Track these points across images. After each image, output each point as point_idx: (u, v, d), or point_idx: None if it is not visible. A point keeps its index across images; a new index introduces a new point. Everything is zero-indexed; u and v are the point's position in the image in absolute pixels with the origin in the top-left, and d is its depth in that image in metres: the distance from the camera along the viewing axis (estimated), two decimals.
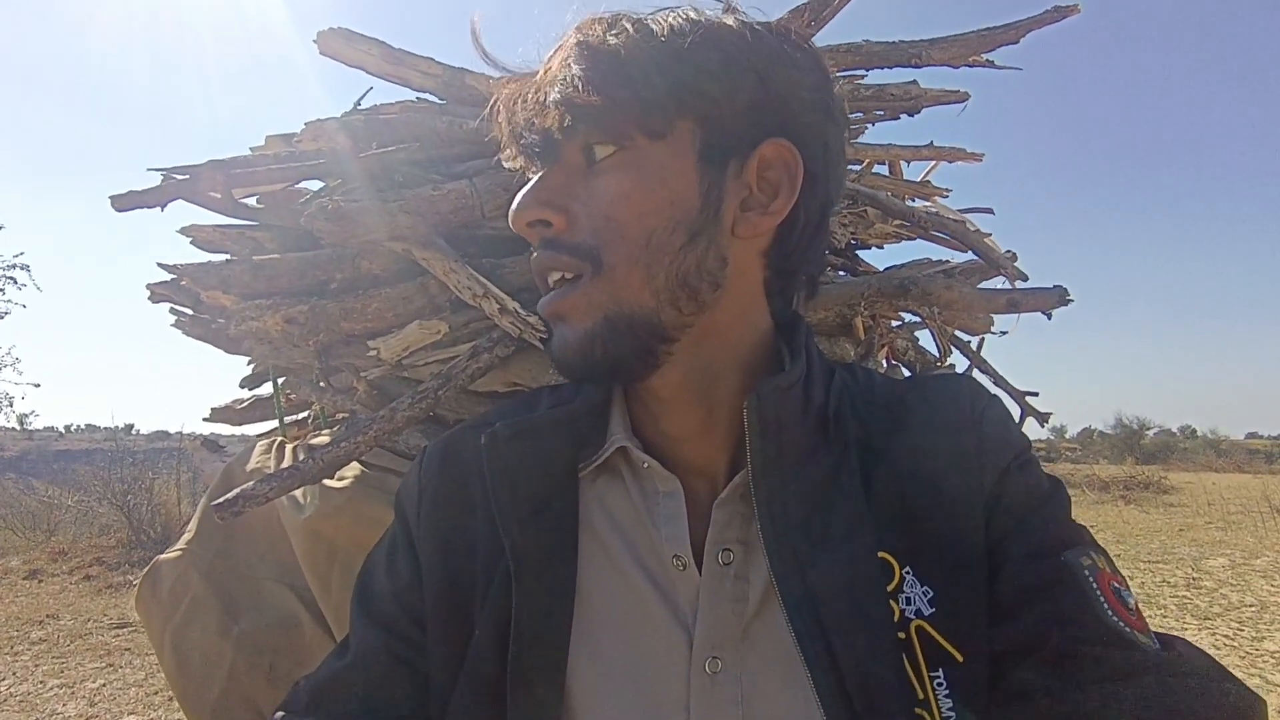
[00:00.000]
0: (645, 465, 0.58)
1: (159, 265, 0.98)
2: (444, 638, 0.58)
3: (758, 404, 0.54)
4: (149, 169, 0.95)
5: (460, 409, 0.98)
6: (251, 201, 1.11)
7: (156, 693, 4.60)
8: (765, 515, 0.53)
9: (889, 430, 0.58)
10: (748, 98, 0.54)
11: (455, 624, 0.58)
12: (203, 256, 1.18)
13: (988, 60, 1.18)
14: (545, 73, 0.54)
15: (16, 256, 9.83)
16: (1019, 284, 0.96)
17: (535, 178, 0.55)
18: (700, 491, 0.58)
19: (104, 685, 4.72)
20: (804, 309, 0.90)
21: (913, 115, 1.10)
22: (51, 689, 4.67)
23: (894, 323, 1.19)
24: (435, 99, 1.10)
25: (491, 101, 0.58)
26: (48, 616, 6.18)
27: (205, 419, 1.69)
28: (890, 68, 1.15)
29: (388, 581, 0.63)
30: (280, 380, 1.65)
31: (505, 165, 0.60)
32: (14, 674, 4.93)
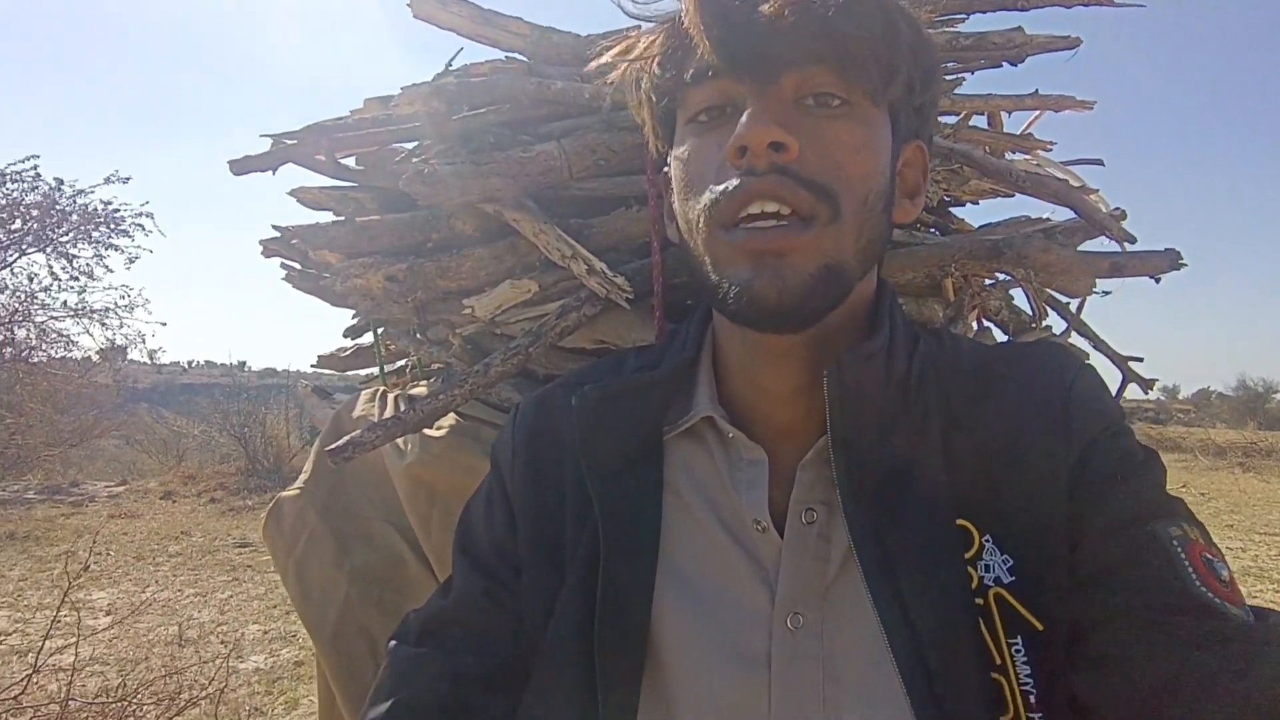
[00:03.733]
0: (730, 435, 0.60)
1: (273, 228, 1.05)
2: (537, 583, 0.62)
3: (838, 374, 0.54)
4: (261, 135, 1.02)
5: (549, 364, 1.03)
6: (351, 163, 1.17)
7: (275, 606, 5.07)
8: (844, 482, 0.54)
9: (974, 398, 0.57)
10: (919, 100, 0.58)
11: (547, 571, 0.62)
12: (309, 215, 1.25)
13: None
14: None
15: (143, 205, 10.49)
16: (1127, 246, 0.91)
17: (756, 101, 0.52)
18: (784, 453, 0.59)
19: (231, 596, 5.25)
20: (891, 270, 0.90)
21: (1015, 64, 1.04)
22: (188, 597, 5.23)
23: (986, 281, 1.15)
24: (522, 58, 1.12)
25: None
26: (181, 533, 6.88)
27: (312, 365, 1.82)
28: (993, 11, 1.08)
29: (485, 530, 0.67)
30: (380, 331, 1.75)
31: (686, 75, 0.56)
32: (156, 582, 5.54)
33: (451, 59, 1.19)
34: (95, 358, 11.73)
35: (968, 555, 0.53)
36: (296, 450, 8.88)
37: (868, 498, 0.54)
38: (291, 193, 1.08)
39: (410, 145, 1.17)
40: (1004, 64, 1.08)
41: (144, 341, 11.16)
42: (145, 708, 3.25)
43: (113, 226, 10.61)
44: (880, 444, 0.55)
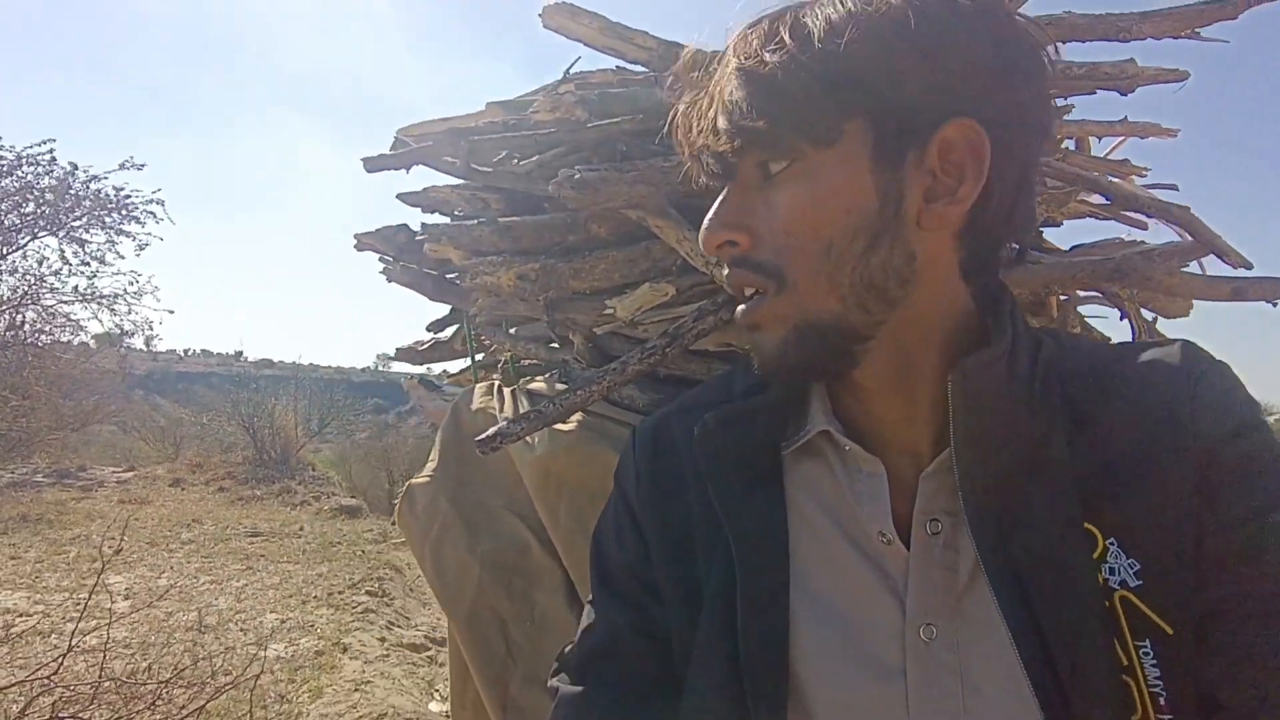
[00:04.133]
0: (847, 448, 0.60)
1: (424, 225, 1.09)
2: (675, 602, 0.65)
3: (962, 380, 0.54)
4: (397, 132, 1.06)
5: (673, 365, 1.07)
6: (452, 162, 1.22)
7: (290, 596, 5.11)
8: (967, 489, 0.54)
9: (1098, 399, 0.57)
10: (917, 83, 0.52)
11: (683, 590, 0.65)
12: (403, 215, 1.30)
13: (1195, 33, 1.14)
14: (711, 96, 0.56)
15: (155, 193, 10.51)
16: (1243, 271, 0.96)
17: (718, 199, 0.58)
18: (904, 466, 0.59)
19: (246, 585, 5.27)
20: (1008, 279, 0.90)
21: (1125, 94, 1.09)
22: (204, 584, 5.25)
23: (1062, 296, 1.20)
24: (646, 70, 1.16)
25: (669, 119, 0.62)
26: (193, 521, 6.91)
27: (390, 357, 1.88)
28: (1093, 40, 1.14)
29: (619, 554, 0.71)
30: (456, 328, 1.80)
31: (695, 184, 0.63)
32: (171, 568, 5.56)
33: (569, 68, 1.24)
34: (92, 343, 11.72)
35: (1094, 558, 0.52)
36: (304, 442, 8.89)
37: (992, 505, 0.54)
38: (426, 189, 1.13)
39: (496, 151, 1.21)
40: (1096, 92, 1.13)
41: (151, 329, 11.16)
42: (174, 691, 3.28)
43: (125, 213, 10.62)
44: (1004, 449, 0.55)
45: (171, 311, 11.27)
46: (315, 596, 5.07)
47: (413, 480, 1.12)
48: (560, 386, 1.13)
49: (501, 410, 1.14)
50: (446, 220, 1.56)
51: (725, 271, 0.60)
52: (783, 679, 0.58)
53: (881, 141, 0.53)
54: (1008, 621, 0.52)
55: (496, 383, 1.22)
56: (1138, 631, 0.51)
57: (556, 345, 1.28)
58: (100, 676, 3.10)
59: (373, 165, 1.07)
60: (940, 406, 0.56)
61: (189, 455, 9.78)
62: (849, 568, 0.59)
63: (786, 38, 0.52)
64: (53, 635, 4.07)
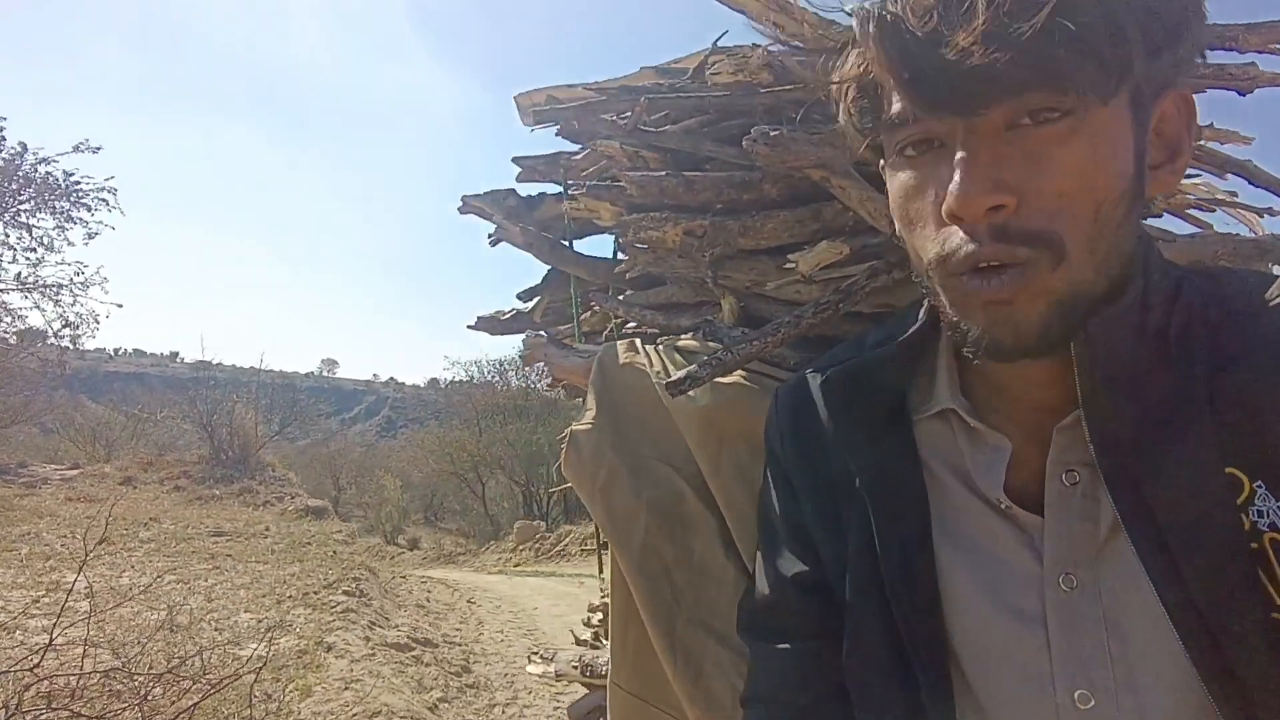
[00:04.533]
0: (973, 425, 0.62)
1: (625, 177, 1.10)
2: (829, 549, 0.71)
3: (1085, 341, 0.54)
4: (583, 85, 1.09)
5: (830, 327, 1.11)
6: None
7: (264, 595, 4.94)
8: (1096, 443, 0.54)
9: (1241, 338, 0.54)
10: (1157, 42, 0.49)
11: (834, 537, 0.70)
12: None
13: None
14: (981, 13, 0.46)
15: (107, 180, 10.09)
16: None
17: (964, 144, 0.50)
18: (1040, 421, 0.60)
19: (215, 584, 5.07)
20: None
21: (1244, 95, 1.19)
22: (169, 584, 5.03)
23: None
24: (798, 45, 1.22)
25: (869, 30, 0.50)
26: (150, 520, 6.60)
27: (470, 326, 1.87)
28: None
29: (778, 510, 0.77)
30: (537, 300, 1.81)
31: (887, 115, 0.55)
32: (131, 567, 5.32)
33: (718, 38, 1.28)
34: (11, 339, 11.11)
35: (1238, 502, 0.51)
36: (264, 442, 8.60)
37: (1125, 457, 0.54)
38: (598, 148, 1.16)
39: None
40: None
41: (97, 322, 10.66)
42: (157, 690, 3.14)
43: (75, 199, 10.17)
44: (1135, 399, 0.54)
45: (120, 305, 10.81)
46: (290, 596, 4.91)
47: (575, 427, 1.13)
48: (710, 344, 1.16)
49: (651, 365, 1.17)
50: (550, 185, 1.59)
51: (968, 246, 0.51)
52: (937, 622, 0.61)
53: (1136, 103, 0.51)
54: (1148, 571, 0.52)
55: (637, 340, 1.24)
56: None
57: (675, 309, 1.32)
58: (82, 671, 2.95)
59: (541, 118, 1.09)
60: (1071, 361, 0.55)
61: (141, 453, 9.34)
62: (982, 520, 0.61)
63: None
64: (18, 632, 3.84)
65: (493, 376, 24.71)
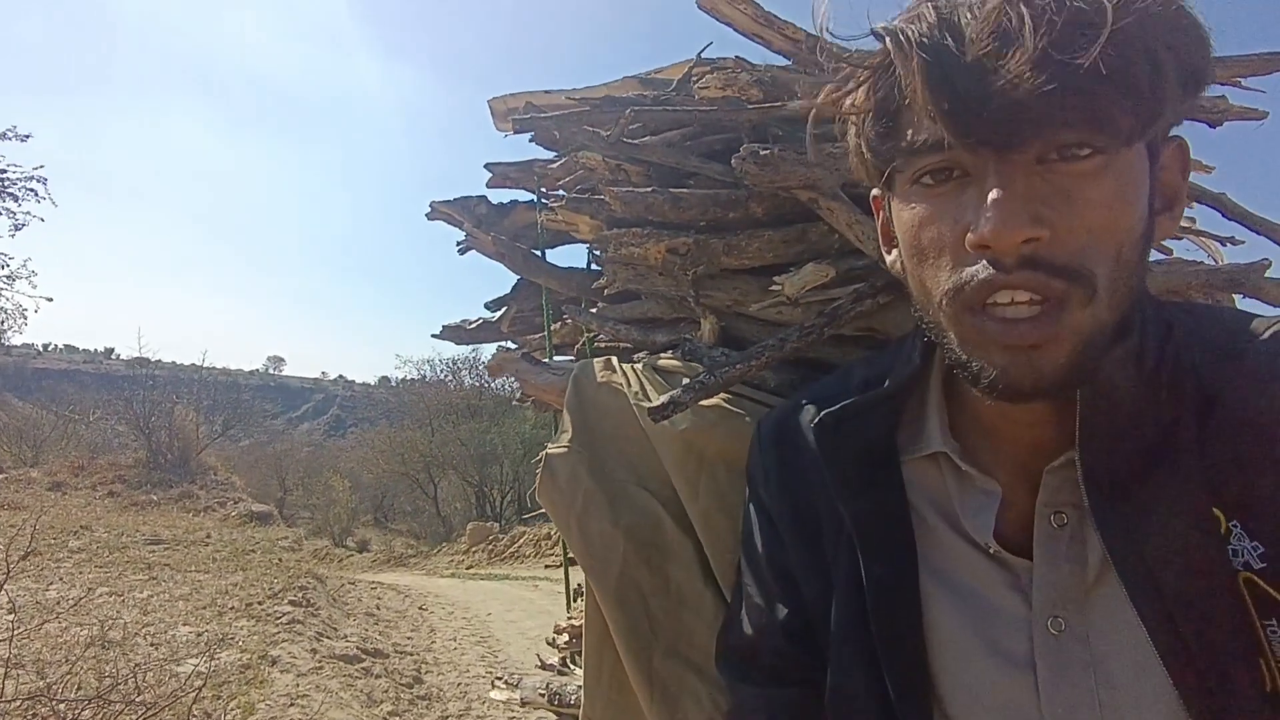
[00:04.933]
0: (963, 469, 0.61)
1: (603, 188, 1.05)
2: (811, 588, 0.70)
3: (1092, 384, 0.53)
4: (562, 93, 1.04)
5: (812, 349, 1.09)
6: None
7: (205, 607, 4.73)
8: (1089, 482, 0.54)
9: (1226, 376, 0.55)
10: (1186, 86, 0.49)
11: (817, 575, 0.69)
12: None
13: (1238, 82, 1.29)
14: (1021, 35, 0.44)
15: (36, 169, 9.59)
16: None
17: (996, 176, 0.48)
18: (1028, 462, 0.59)
19: (151, 596, 4.84)
20: None
21: (1214, 127, 1.21)
22: (100, 596, 4.78)
23: None
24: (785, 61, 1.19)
25: (910, 55, 0.48)
26: (81, 528, 6.27)
27: (435, 335, 1.80)
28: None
29: (761, 549, 0.75)
30: (504, 310, 1.75)
31: (906, 141, 0.53)
32: (60, 579, 5.03)
33: (703, 50, 1.25)
34: None
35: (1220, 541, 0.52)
36: (205, 444, 8.27)
37: (1117, 497, 0.54)
38: (579, 159, 1.11)
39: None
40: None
41: (24, 317, 10.13)
42: (82, 713, 2.96)
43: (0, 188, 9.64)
44: (1129, 439, 0.54)
45: (50, 299, 10.29)
46: (232, 607, 4.71)
47: (550, 450, 1.08)
48: (690, 364, 1.13)
49: (629, 385, 1.13)
50: (523, 195, 1.54)
51: (997, 276, 0.49)
52: (922, 668, 0.60)
53: (1151, 147, 0.51)
54: (1140, 613, 0.52)
55: (614, 359, 1.20)
56: (1264, 610, 0.50)
57: (649, 325, 1.29)
58: (2, 695, 2.77)
59: (522, 126, 1.04)
60: (1070, 404, 0.55)
61: (72, 456, 8.87)
62: (969, 563, 0.61)
63: (1150, 25, 0.45)
64: None
65: (446, 375, 24.36)
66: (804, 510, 0.70)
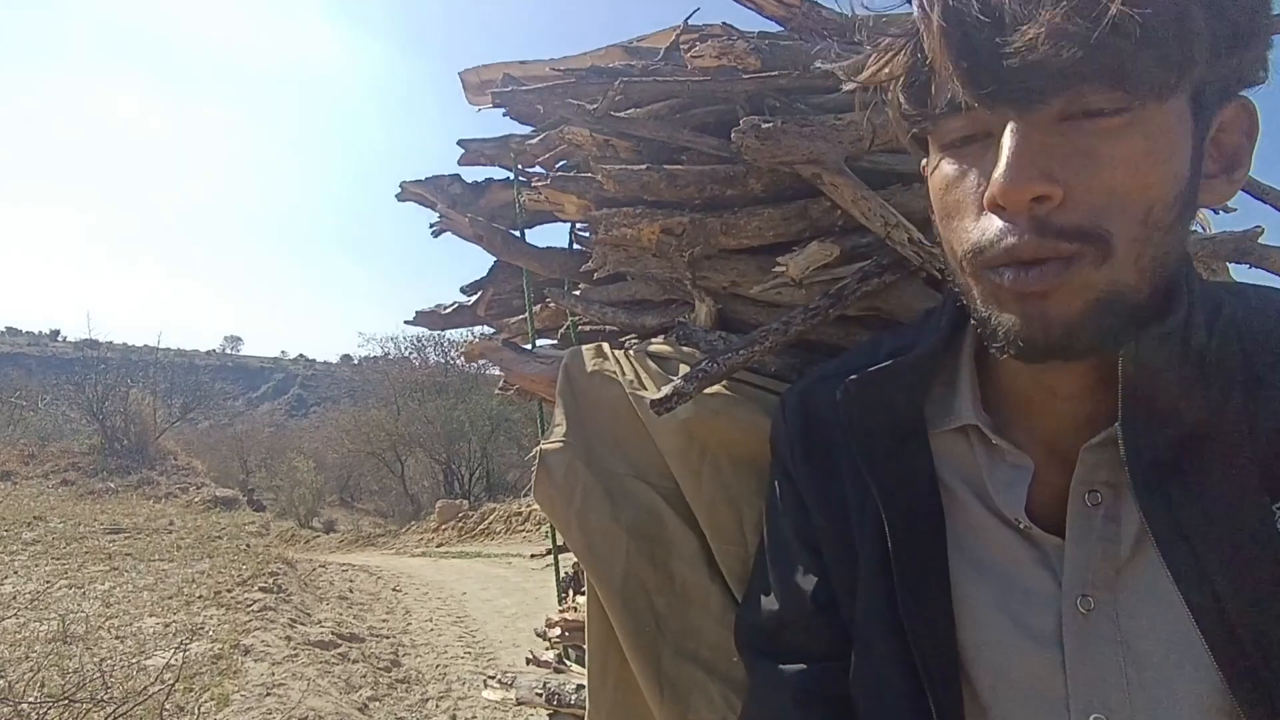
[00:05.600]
0: (994, 442, 0.60)
1: (605, 170, 0.98)
2: (837, 560, 0.69)
3: (1134, 356, 0.52)
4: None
5: (815, 331, 1.05)
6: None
7: (170, 597, 4.61)
8: (1134, 460, 0.53)
9: (1275, 359, 0.54)
10: (1225, 43, 0.47)
11: (843, 548, 0.68)
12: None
13: None
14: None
15: None
16: None
17: (1015, 135, 0.47)
18: (1061, 441, 0.59)
19: (113, 588, 4.69)
20: None
21: None
22: (60, 589, 4.62)
23: None
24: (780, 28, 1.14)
25: (932, 16, 0.48)
26: (35, 518, 6.02)
27: (408, 321, 1.72)
28: None
29: (785, 518, 0.75)
30: (479, 294, 1.68)
31: (933, 105, 0.52)
32: (15, 573, 4.84)
33: (690, 15, 1.19)
34: None
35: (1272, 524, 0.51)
36: (164, 429, 8.02)
37: (1160, 476, 0.53)
38: (564, 135, 1.04)
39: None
40: None
41: None
42: (47, 714, 2.86)
43: None
44: (1174, 420, 0.53)
45: None
46: (200, 596, 4.59)
47: (544, 445, 1.03)
48: (685, 349, 1.09)
49: (622, 373, 1.08)
50: (497, 170, 1.46)
51: (1007, 239, 0.49)
52: (951, 645, 0.60)
53: (1198, 105, 0.49)
54: (1184, 593, 0.51)
55: (605, 344, 1.15)
56: None
57: (637, 307, 1.24)
58: None
59: (502, 99, 0.97)
60: (1110, 380, 0.54)
61: (20, 444, 8.52)
62: (998, 539, 0.60)
63: None
64: None
65: (410, 352, 24.01)
66: (829, 484, 0.69)
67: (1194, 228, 1.41)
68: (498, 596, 6.38)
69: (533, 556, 8.00)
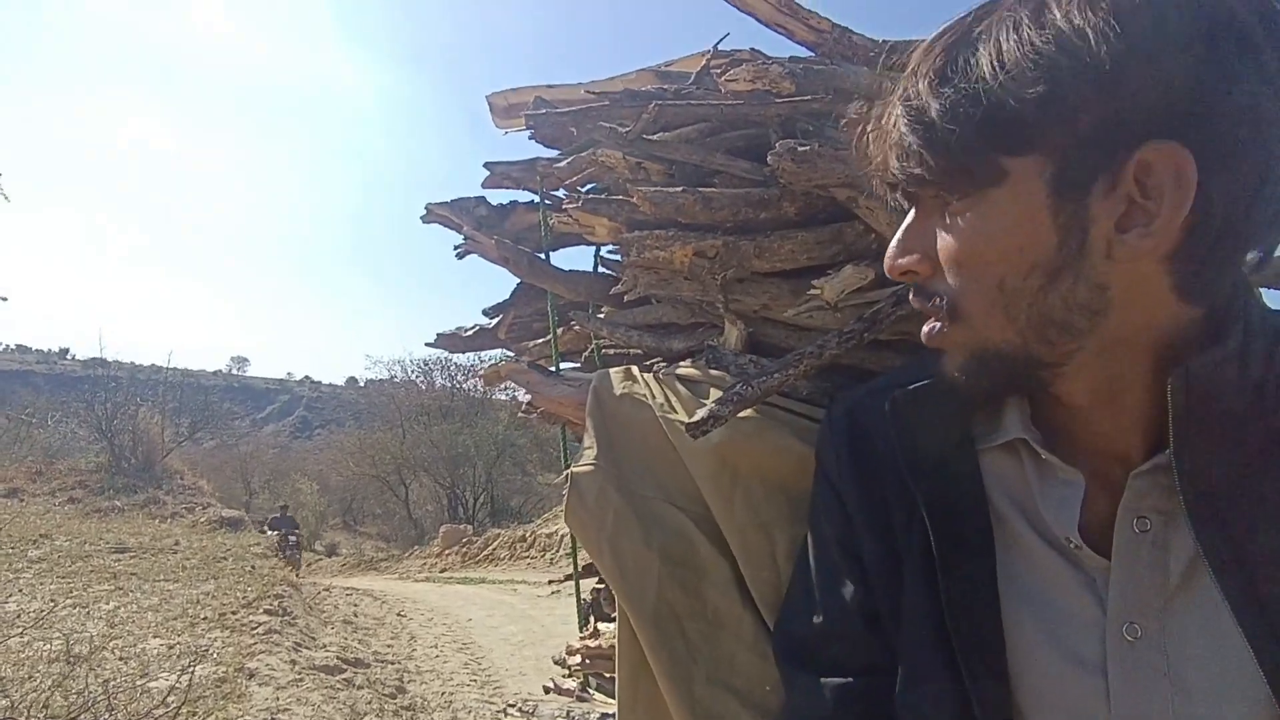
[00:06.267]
0: (1044, 458, 0.60)
1: (643, 192, 0.98)
2: (881, 574, 0.68)
3: (1185, 382, 0.52)
4: (585, 88, 0.98)
5: (848, 355, 1.05)
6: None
7: (175, 618, 4.57)
8: (1189, 488, 0.52)
9: None
10: (1097, 114, 0.48)
11: (888, 564, 0.67)
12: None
13: None
14: (883, 130, 0.57)
15: None
16: None
17: (903, 223, 0.59)
18: (1109, 466, 0.58)
19: (118, 608, 4.66)
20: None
21: None
22: (65, 608, 4.58)
23: None
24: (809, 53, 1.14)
25: (857, 138, 0.62)
26: (41, 536, 6.00)
27: (428, 344, 1.73)
28: None
29: (830, 530, 0.74)
30: (499, 319, 1.68)
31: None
32: (20, 591, 4.82)
33: (719, 41, 1.20)
34: None
35: None
36: (171, 448, 8.02)
37: (1217, 501, 0.52)
38: (597, 157, 1.05)
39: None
40: None
41: None
42: None
43: None
44: (1232, 447, 0.53)
45: (4, 299, 9.88)
46: (205, 618, 4.55)
47: (575, 469, 1.02)
48: (714, 373, 1.08)
49: (652, 397, 1.07)
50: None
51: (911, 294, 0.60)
52: (1002, 669, 0.59)
53: (1061, 174, 0.49)
54: (1242, 626, 0.50)
55: (634, 367, 1.15)
56: None
57: (664, 331, 1.23)
58: None
59: (536, 121, 0.98)
60: (1158, 409, 0.54)
61: (27, 460, 8.53)
62: (1044, 562, 0.60)
63: (953, 75, 0.50)
64: None
65: (416, 376, 24.08)
66: (875, 499, 0.69)
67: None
68: (504, 623, 6.31)
69: (551, 583, 7.92)
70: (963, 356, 0.57)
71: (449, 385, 23.63)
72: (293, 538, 12.25)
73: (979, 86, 0.49)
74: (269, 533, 11.73)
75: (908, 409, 0.67)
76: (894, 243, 0.59)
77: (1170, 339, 0.53)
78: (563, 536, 11.45)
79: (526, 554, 11.64)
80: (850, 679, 0.69)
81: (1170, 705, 0.53)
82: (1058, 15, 0.47)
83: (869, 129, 0.59)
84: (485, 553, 12.62)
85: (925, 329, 0.60)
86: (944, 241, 0.55)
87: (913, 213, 0.59)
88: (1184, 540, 0.53)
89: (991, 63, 0.49)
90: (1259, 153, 0.48)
